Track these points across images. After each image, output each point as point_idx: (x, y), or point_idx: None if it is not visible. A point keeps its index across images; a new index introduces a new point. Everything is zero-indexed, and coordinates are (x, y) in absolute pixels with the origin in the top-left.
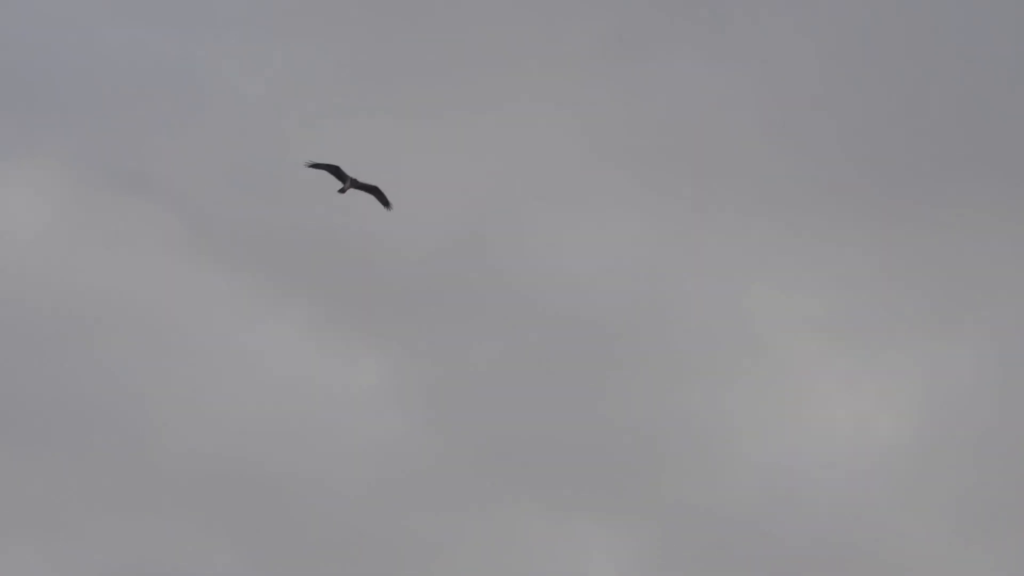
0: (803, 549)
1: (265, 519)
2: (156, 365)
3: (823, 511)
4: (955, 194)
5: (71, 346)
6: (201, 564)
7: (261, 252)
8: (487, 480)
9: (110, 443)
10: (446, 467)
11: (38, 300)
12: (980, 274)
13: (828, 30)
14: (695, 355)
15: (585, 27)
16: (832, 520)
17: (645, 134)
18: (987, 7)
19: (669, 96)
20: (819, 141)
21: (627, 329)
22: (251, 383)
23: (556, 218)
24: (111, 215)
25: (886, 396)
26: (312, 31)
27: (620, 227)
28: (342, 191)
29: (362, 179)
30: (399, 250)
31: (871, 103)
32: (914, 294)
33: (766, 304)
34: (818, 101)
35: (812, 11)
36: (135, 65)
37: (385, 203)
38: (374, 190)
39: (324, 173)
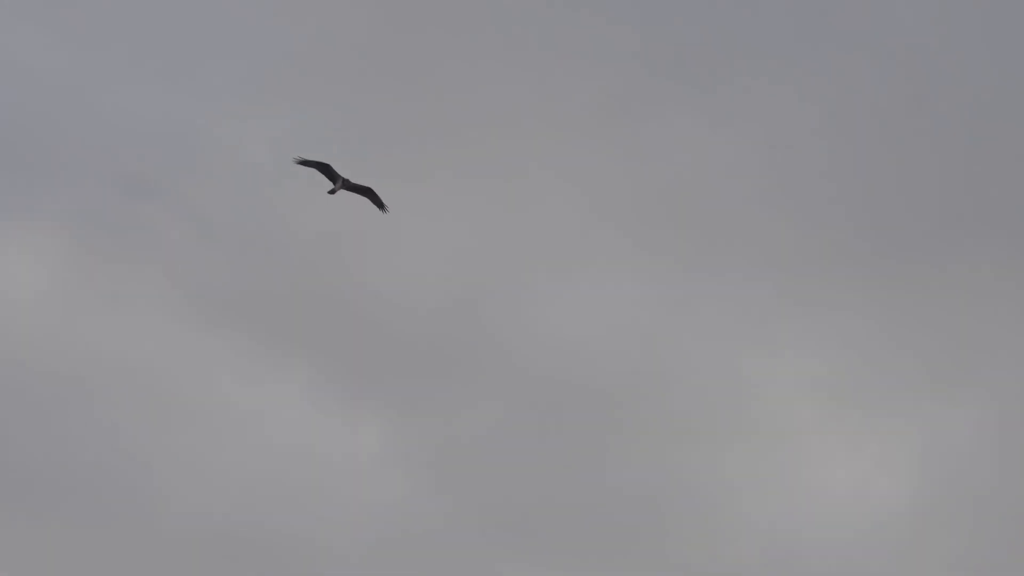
0: None
1: None
2: (156, 428)
3: (822, 573)
4: (954, 257)
5: (69, 409)
6: None
7: (260, 314)
8: (489, 544)
9: (109, 506)
10: (448, 530)
11: (35, 363)
12: (978, 337)
13: (828, 94)
14: (695, 418)
15: (585, 89)
16: None
17: (644, 198)
18: (984, 75)
19: (668, 160)
20: (818, 204)
21: (627, 392)
22: (252, 446)
23: (556, 281)
24: (109, 277)
25: (885, 459)
26: (311, 94)
27: (620, 290)
28: (332, 192)
29: (355, 179)
30: (400, 311)
31: (870, 167)
32: (912, 357)
33: (765, 367)
34: (817, 165)
35: (812, 75)
36: (134, 128)
37: (380, 205)
38: (367, 191)
39: (320, 176)
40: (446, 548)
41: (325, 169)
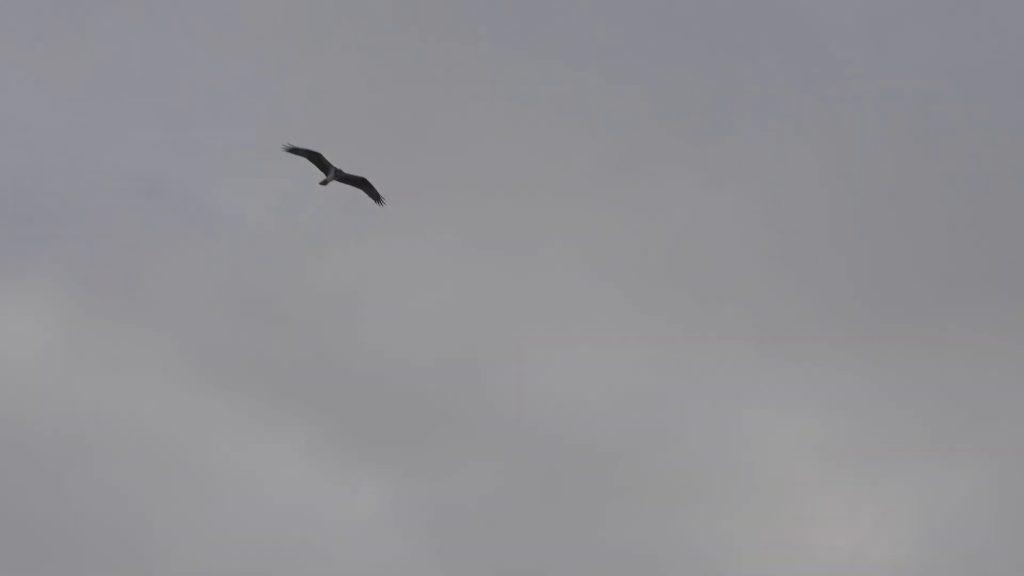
0: None
1: None
2: (155, 489)
3: None
4: (954, 317)
5: (68, 469)
6: None
7: (260, 374)
8: None
9: (109, 566)
10: None
11: (35, 423)
12: (978, 398)
13: (828, 154)
14: (694, 478)
15: (584, 149)
16: None
17: (643, 257)
18: (985, 133)
19: (667, 219)
20: (817, 264)
21: (627, 452)
22: (251, 507)
23: (556, 341)
24: (108, 337)
25: (885, 520)
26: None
27: (619, 350)
28: (324, 183)
29: (348, 169)
30: (400, 372)
31: (870, 227)
32: (912, 418)
33: (765, 428)
34: (817, 225)
35: (812, 134)
36: (132, 187)
37: (375, 197)
38: (362, 183)
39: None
40: None
41: (316, 158)
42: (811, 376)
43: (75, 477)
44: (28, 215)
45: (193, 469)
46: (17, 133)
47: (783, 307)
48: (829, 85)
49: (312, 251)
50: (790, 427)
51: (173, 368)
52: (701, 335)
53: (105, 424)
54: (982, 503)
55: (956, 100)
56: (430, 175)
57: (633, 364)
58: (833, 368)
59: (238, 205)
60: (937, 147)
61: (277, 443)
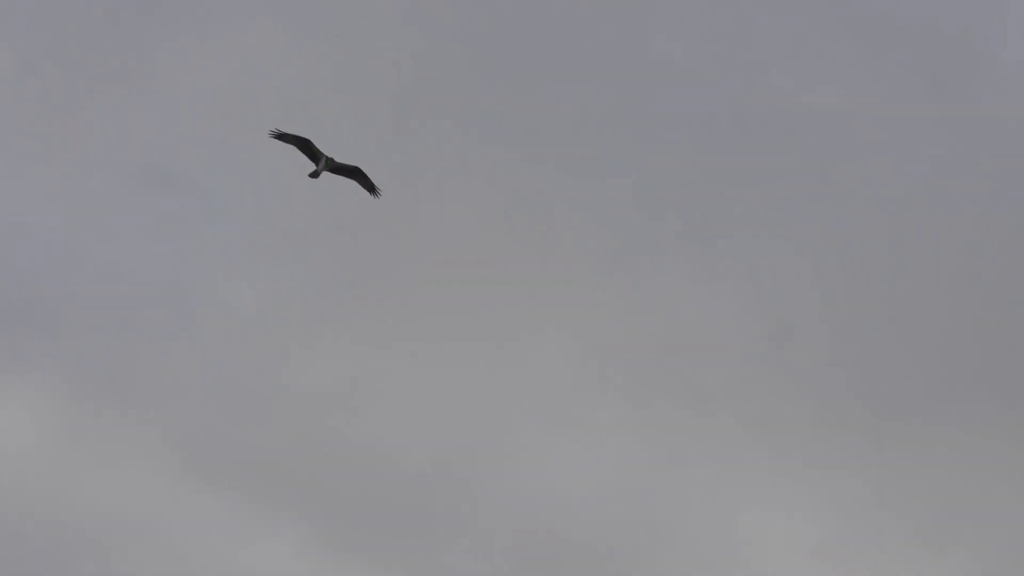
0: None
1: None
2: None
3: None
4: (948, 419)
5: (59, 565)
6: None
7: (252, 471)
8: None
9: None
10: None
11: (23, 518)
12: (969, 500)
13: (825, 252)
14: None
15: (579, 244)
16: None
17: (637, 352)
18: (977, 234)
19: (661, 316)
20: (811, 362)
21: (621, 551)
22: None
23: (550, 437)
24: (100, 432)
25: None
26: (305, 248)
27: (613, 446)
28: (315, 175)
29: (340, 159)
30: (391, 468)
31: (865, 327)
32: (906, 520)
33: (758, 528)
34: (811, 322)
35: (806, 232)
36: (125, 281)
37: (370, 188)
38: (355, 172)
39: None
40: None
41: (305, 146)
42: (805, 474)
43: (66, 573)
44: (23, 310)
45: (186, 565)
46: (11, 228)
47: (776, 404)
48: (823, 185)
49: (304, 347)
50: (783, 526)
51: (165, 464)
52: (694, 432)
53: (97, 520)
54: None
55: (949, 203)
56: (423, 269)
57: (627, 461)
58: (827, 466)
59: (233, 301)
60: (931, 248)
61: (270, 540)
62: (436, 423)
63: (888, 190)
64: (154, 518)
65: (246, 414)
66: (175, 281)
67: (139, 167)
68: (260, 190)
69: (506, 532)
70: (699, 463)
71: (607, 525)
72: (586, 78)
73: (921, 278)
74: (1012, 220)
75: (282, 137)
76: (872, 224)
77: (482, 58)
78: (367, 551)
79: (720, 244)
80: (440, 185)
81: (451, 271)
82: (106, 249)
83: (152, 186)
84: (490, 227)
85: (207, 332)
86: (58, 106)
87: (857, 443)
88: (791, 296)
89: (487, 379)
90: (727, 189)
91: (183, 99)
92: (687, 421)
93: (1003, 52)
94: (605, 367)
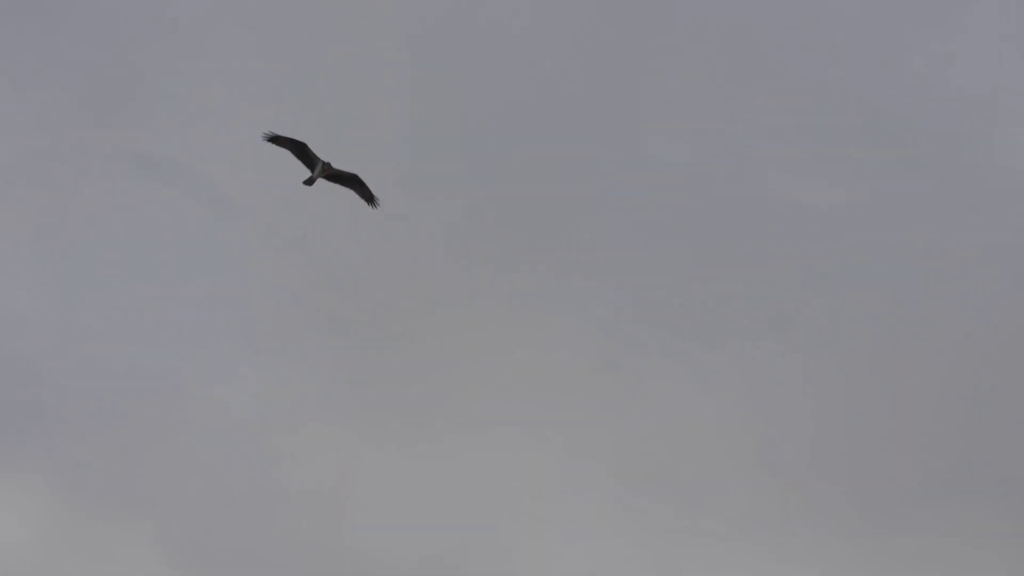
0: None
1: None
2: None
3: None
4: (941, 524)
5: None
6: None
7: (245, 572)
8: None
9: None
10: None
11: None
12: None
13: (817, 356)
14: None
15: (568, 346)
16: None
17: (629, 455)
18: (964, 344)
19: (655, 417)
20: (803, 465)
21: None
22: None
23: (539, 538)
24: (93, 533)
25: None
26: (298, 344)
27: (603, 547)
28: (310, 182)
29: (337, 164)
30: (383, 568)
31: (858, 432)
32: None
33: None
34: (802, 425)
35: (797, 341)
36: (118, 381)
37: (369, 198)
38: (353, 180)
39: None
40: None
41: (300, 150)
42: None
43: None
44: (12, 409)
45: None
46: (11, 322)
47: (766, 508)
48: (816, 293)
49: (304, 443)
50: None
51: (158, 564)
52: (684, 533)
53: None
54: None
55: (947, 306)
56: (413, 371)
57: (615, 560)
58: (818, 570)
59: (225, 397)
60: (925, 351)
61: None
62: (426, 521)
63: (883, 292)
64: None
65: (239, 512)
66: (166, 377)
67: (135, 259)
68: (259, 285)
69: None
70: (689, 565)
71: None
72: (581, 180)
73: (919, 384)
74: (1012, 326)
75: (276, 140)
76: (868, 327)
77: (474, 152)
78: None
79: (712, 353)
80: (427, 284)
81: (443, 368)
82: (97, 349)
83: (147, 278)
84: (483, 326)
85: (201, 433)
86: (51, 198)
87: (849, 549)
88: (781, 405)
89: (478, 477)
90: (722, 292)
91: (181, 197)
92: (677, 522)
93: (994, 155)
94: (596, 467)
